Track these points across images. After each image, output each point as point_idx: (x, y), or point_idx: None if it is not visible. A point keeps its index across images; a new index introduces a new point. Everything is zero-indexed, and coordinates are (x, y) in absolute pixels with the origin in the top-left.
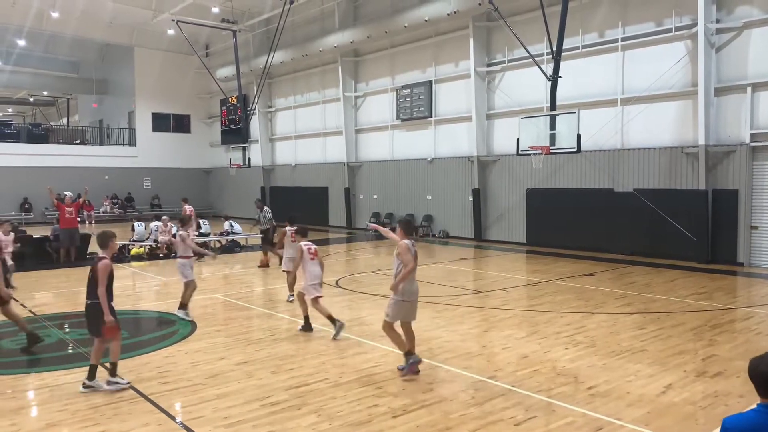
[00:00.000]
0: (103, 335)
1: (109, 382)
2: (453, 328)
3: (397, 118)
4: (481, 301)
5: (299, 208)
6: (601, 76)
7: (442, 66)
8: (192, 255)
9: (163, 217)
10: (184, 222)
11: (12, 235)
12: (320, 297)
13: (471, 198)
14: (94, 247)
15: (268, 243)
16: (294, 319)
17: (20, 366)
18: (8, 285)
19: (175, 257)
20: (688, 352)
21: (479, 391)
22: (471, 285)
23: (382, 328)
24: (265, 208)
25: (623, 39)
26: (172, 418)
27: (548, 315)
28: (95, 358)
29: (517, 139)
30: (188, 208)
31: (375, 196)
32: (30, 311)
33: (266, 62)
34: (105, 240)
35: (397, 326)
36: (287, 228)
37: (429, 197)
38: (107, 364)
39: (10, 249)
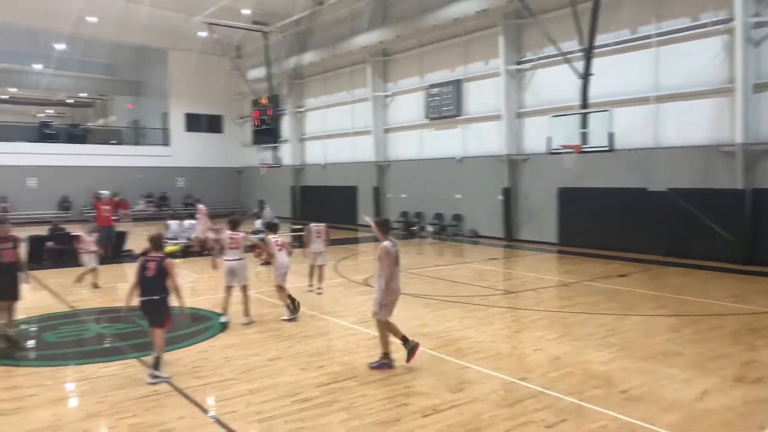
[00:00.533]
0: (165, 326)
1: (152, 376)
2: (483, 328)
3: (426, 117)
4: (511, 301)
5: (329, 207)
6: (634, 73)
7: (471, 64)
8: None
9: (197, 216)
10: (236, 223)
11: (95, 235)
12: (284, 285)
13: (501, 197)
14: (129, 244)
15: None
16: (323, 316)
17: (61, 358)
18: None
19: (207, 255)
20: (726, 356)
21: (510, 393)
22: (501, 285)
23: (377, 325)
24: (267, 208)
25: (657, 35)
26: (206, 412)
27: (580, 316)
28: (160, 349)
29: (548, 138)
30: (202, 208)
31: (404, 196)
32: (70, 306)
33: (296, 63)
34: (161, 241)
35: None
36: (312, 225)
37: (458, 196)
38: (150, 358)
39: (93, 249)
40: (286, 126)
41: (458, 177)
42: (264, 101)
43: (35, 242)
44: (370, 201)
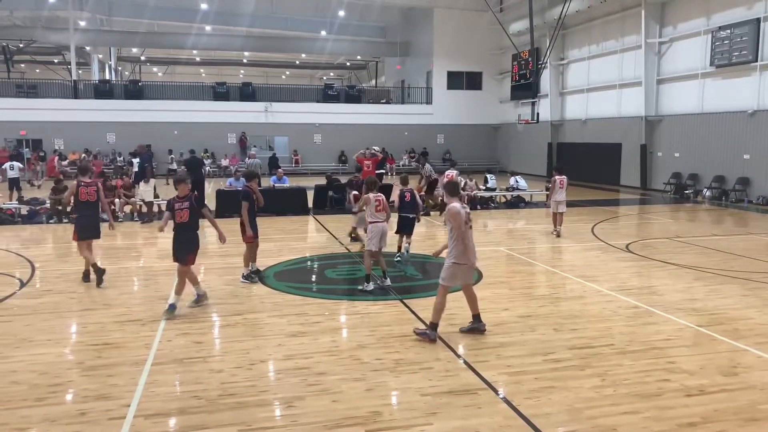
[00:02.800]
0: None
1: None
2: None
3: (711, 65)
4: None
5: (588, 166)
6: None
7: None
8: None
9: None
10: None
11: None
12: (378, 251)
13: None
14: (393, 196)
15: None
16: (578, 279)
17: (338, 293)
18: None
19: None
20: None
21: None
22: None
23: (438, 290)
24: (427, 164)
25: None
26: (459, 357)
27: None
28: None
29: None
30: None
31: (676, 155)
32: (346, 248)
33: (561, 13)
34: (407, 179)
35: None
36: (557, 177)
37: (746, 157)
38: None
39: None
40: (546, 80)
41: (748, 134)
42: (525, 55)
43: (319, 191)
44: (635, 160)
